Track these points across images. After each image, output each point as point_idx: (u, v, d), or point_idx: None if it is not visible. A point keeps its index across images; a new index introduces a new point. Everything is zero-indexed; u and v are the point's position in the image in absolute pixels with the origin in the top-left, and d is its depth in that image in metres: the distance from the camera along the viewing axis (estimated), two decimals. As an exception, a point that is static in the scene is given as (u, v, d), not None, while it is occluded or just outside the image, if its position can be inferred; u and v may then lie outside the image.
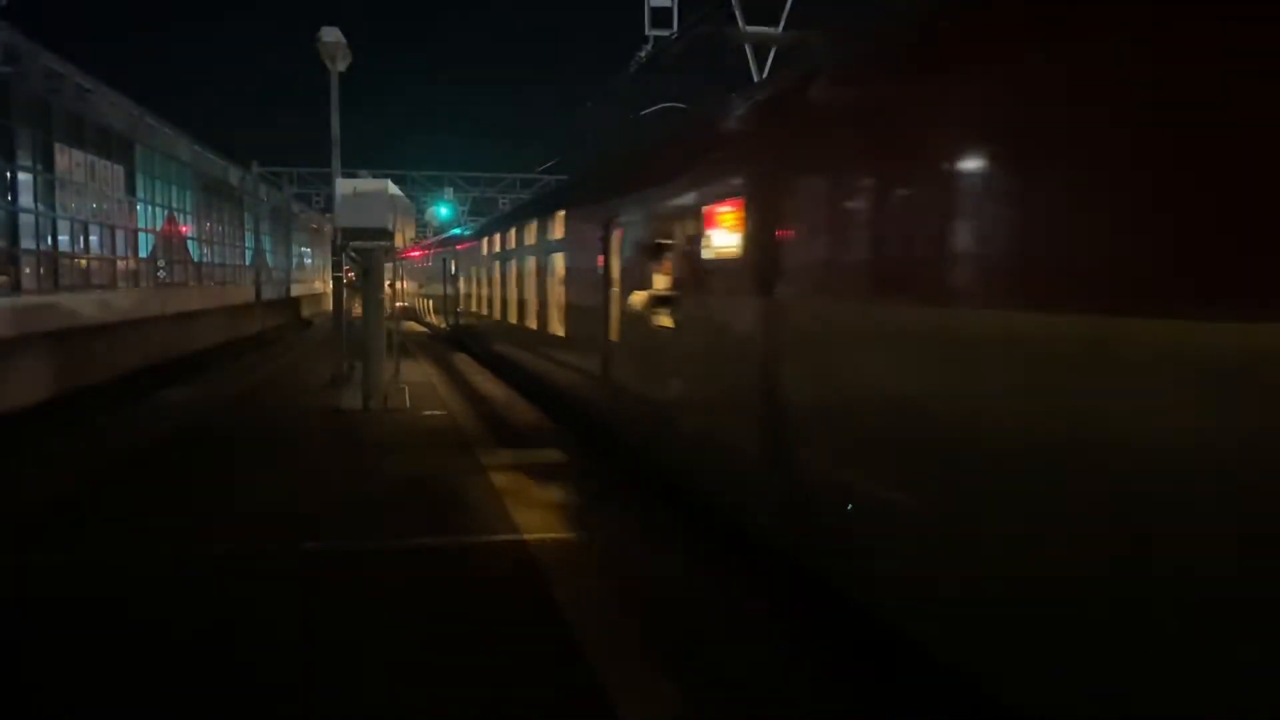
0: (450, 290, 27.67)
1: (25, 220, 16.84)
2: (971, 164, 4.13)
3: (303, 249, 53.87)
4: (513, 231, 17.73)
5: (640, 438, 9.27)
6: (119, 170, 22.10)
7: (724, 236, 6.88)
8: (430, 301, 34.19)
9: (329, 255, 32.52)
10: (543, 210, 15.08)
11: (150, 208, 24.48)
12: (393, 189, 14.57)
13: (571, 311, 12.30)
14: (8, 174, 16.40)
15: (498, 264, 19.34)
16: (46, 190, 17.86)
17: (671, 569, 6.64)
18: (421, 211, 55.20)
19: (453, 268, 27.33)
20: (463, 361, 22.02)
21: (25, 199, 16.93)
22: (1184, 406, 3.02)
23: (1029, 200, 3.74)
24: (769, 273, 5.96)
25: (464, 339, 24.89)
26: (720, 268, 6.92)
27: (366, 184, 14.37)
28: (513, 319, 17.26)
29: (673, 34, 22.55)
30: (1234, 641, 2.95)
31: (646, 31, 23.24)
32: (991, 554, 3.83)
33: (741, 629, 5.53)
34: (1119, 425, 3.22)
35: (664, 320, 8.21)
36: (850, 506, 4.89)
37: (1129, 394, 3.19)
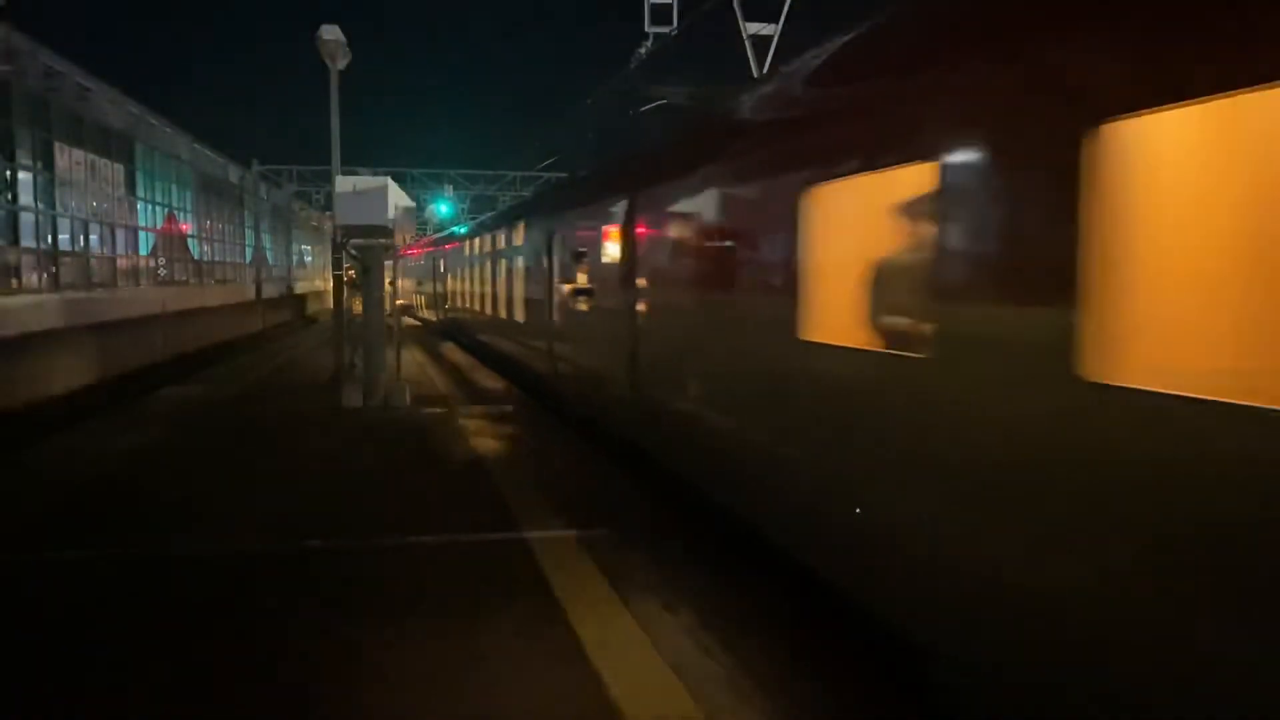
0: (439, 288, 30.42)
1: (27, 219, 16.88)
2: (717, 221, 7.24)
3: (303, 247, 53.89)
4: (487, 236, 20.82)
5: (567, 388, 12.76)
6: (119, 169, 22.13)
7: (611, 249, 10.00)
8: (423, 298, 36.72)
9: (329, 253, 32.86)
10: (508, 221, 18.47)
11: (150, 206, 24.51)
12: (392, 187, 14.57)
13: (527, 303, 15.32)
14: (25, 175, 16.44)
15: (475, 265, 22.35)
16: (61, 189, 17.89)
17: (569, 463, 10.21)
18: (421, 209, 55.22)
19: (440, 267, 30.18)
20: (449, 349, 24.75)
21: (36, 199, 16.97)
22: None
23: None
24: (632, 274, 9.16)
25: (451, 330, 27.75)
26: (609, 270, 10.03)
27: (366, 181, 14.37)
28: (487, 310, 20.50)
29: (672, 31, 22.55)
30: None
31: (646, 28, 23.24)
32: (721, 427, 7.14)
33: (607, 488, 9.11)
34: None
35: (581, 305, 11.40)
36: (668, 416, 8.35)
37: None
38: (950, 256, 4.33)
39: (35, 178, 17.46)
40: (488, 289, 20.34)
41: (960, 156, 4.18)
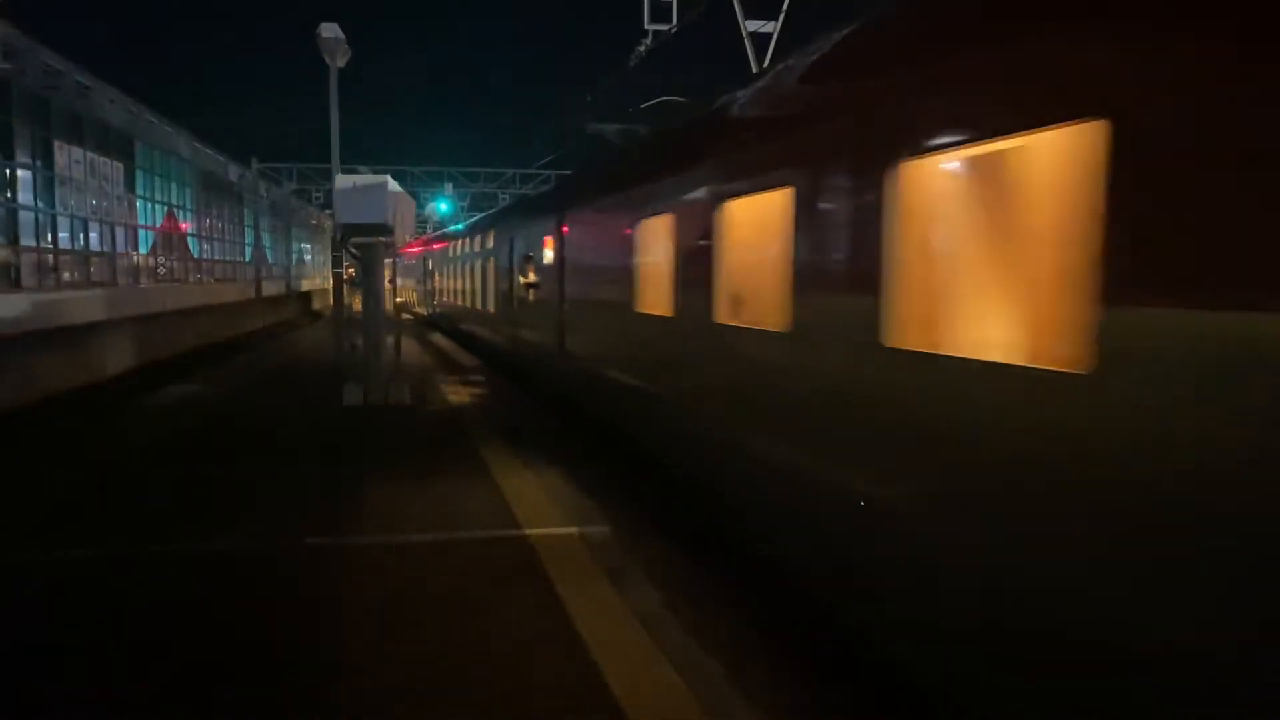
0: (428, 285, 35.05)
1: (26, 217, 16.87)
2: (602, 235, 11.00)
3: (302, 245, 53.87)
4: (464, 241, 25.13)
5: (518, 358, 17.28)
6: (118, 167, 22.10)
7: (547, 253, 14.11)
8: (415, 295, 40.92)
9: (329, 251, 33.29)
10: (481, 228, 22.87)
11: (150, 204, 24.49)
12: (392, 185, 14.57)
13: (494, 295, 19.54)
14: (25, 173, 16.41)
15: (455, 265, 26.56)
16: (60, 187, 17.88)
17: (518, 416, 14.03)
18: (421, 207, 55.17)
19: (428, 266, 34.85)
20: (436, 337, 29.45)
21: (36, 198, 16.96)
22: None
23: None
24: (561, 272, 13.18)
25: (438, 321, 32.35)
26: (546, 269, 14.24)
27: (366, 179, 14.36)
28: (464, 304, 24.84)
29: (671, 28, 22.51)
30: None
31: (645, 25, 23.18)
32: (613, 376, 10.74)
33: (543, 429, 12.99)
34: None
35: (529, 297, 15.48)
36: (585, 377, 11.98)
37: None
38: (774, 260, 6.21)
39: (35, 176, 17.44)
40: (465, 285, 24.55)
41: (794, 189, 5.83)
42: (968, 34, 4.28)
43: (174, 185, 26.81)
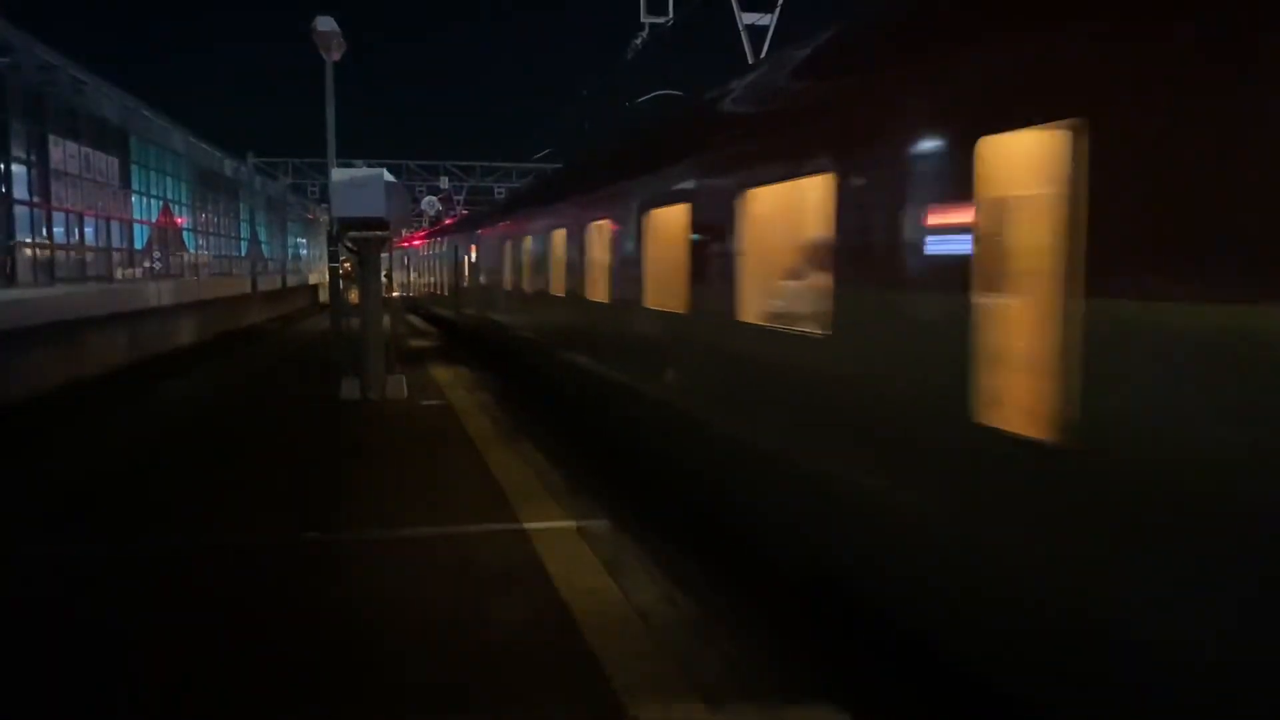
0: (407, 277, 39.86)
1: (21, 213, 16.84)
2: (498, 247, 18.12)
3: (298, 239, 53.81)
4: (431, 241, 32.63)
5: (457, 323, 24.09)
6: (113, 162, 22.09)
7: (474, 255, 21.48)
8: (393, 285, 46.40)
9: (324, 245, 33.77)
10: (442, 234, 30.45)
11: (145, 199, 24.47)
12: (388, 178, 14.54)
13: (454, 283, 25.38)
14: (19, 167, 16.38)
15: (425, 261, 33.50)
16: (56, 183, 17.85)
17: (450, 349, 21.69)
18: (417, 201, 55.10)
19: (405, 260, 40.08)
20: (411, 319, 33.02)
21: (31, 193, 16.93)
22: None
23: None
24: (479, 267, 21.05)
25: (411, 306, 36.74)
26: (486, 265, 19.79)
27: (362, 173, 14.33)
28: (431, 291, 31.44)
29: (668, 20, 22.49)
30: None
31: (642, 18, 23.16)
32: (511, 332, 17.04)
33: (487, 379, 16.40)
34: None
35: (464, 284, 22.75)
36: (508, 341, 17.35)
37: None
38: (654, 261, 8.79)
39: (30, 171, 17.43)
40: (430, 278, 31.76)
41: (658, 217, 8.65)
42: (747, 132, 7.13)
43: (169, 180, 26.77)
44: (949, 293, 4.30)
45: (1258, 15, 2.96)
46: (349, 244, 14.97)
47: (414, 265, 36.72)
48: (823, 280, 5.61)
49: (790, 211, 6.54)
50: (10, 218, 16.47)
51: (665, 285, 8.40)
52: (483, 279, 20.11)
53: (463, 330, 23.36)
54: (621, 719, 4.31)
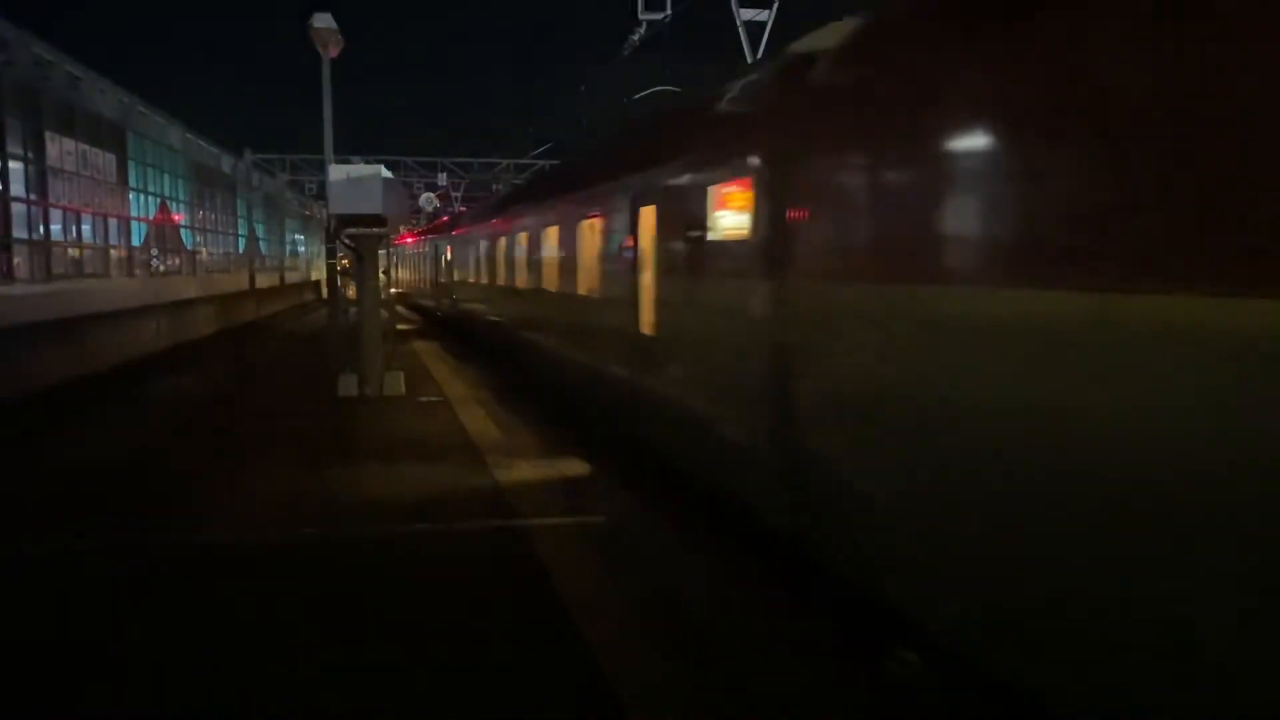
0: (393, 275, 45.23)
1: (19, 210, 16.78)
2: (461, 252, 25.07)
3: (297, 236, 53.76)
4: (418, 240, 37.22)
5: (439, 311, 29.52)
6: (110, 158, 22.04)
7: (447, 254, 27.55)
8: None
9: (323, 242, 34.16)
10: (425, 234, 35.65)
11: (142, 196, 24.42)
12: (386, 175, 14.51)
13: (429, 280, 31.54)
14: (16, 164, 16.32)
15: (410, 258, 38.58)
16: (52, 179, 17.80)
17: (432, 329, 28.15)
18: (414, 198, 55.03)
19: (395, 259, 44.10)
20: (398, 309, 34.72)
21: (27, 190, 16.87)
22: None
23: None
24: (451, 265, 26.62)
25: (402, 297, 40.81)
26: (446, 263, 27.73)
27: (359, 170, 14.30)
28: (416, 285, 36.81)
29: (665, 17, 22.47)
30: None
31: (639, 15, 23.12)
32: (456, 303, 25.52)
33: (437, 330, 28.07)
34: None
35: (442, 279, 28.39)
36: (459, 310, 25.20)
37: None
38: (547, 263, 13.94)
39: (27, 168, 17.38)
40: (415, 275, 37.12)
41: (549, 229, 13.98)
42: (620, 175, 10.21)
43: (166, 177, 26.73)
44: (627, 277, 9.38)
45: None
46: (347, 241, 14.95)
47: (400, 262, 42.17)
48: (599, 273, 10.79)
49: (589, 236, 11.37)
50: (8, 215, 16.44)
51: (544, 276, 14.35)
52: (454, 275, 26.20)
53: (441, 316, 29.26)
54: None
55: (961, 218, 4.21)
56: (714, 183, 6.98)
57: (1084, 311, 3.33)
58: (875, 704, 4.89)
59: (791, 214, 5.60)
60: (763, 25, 18.42)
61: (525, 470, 9.27)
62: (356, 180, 13.98)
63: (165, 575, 6.53)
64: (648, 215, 8.67)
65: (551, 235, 13.63)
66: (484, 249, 21.16)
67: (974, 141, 4.16)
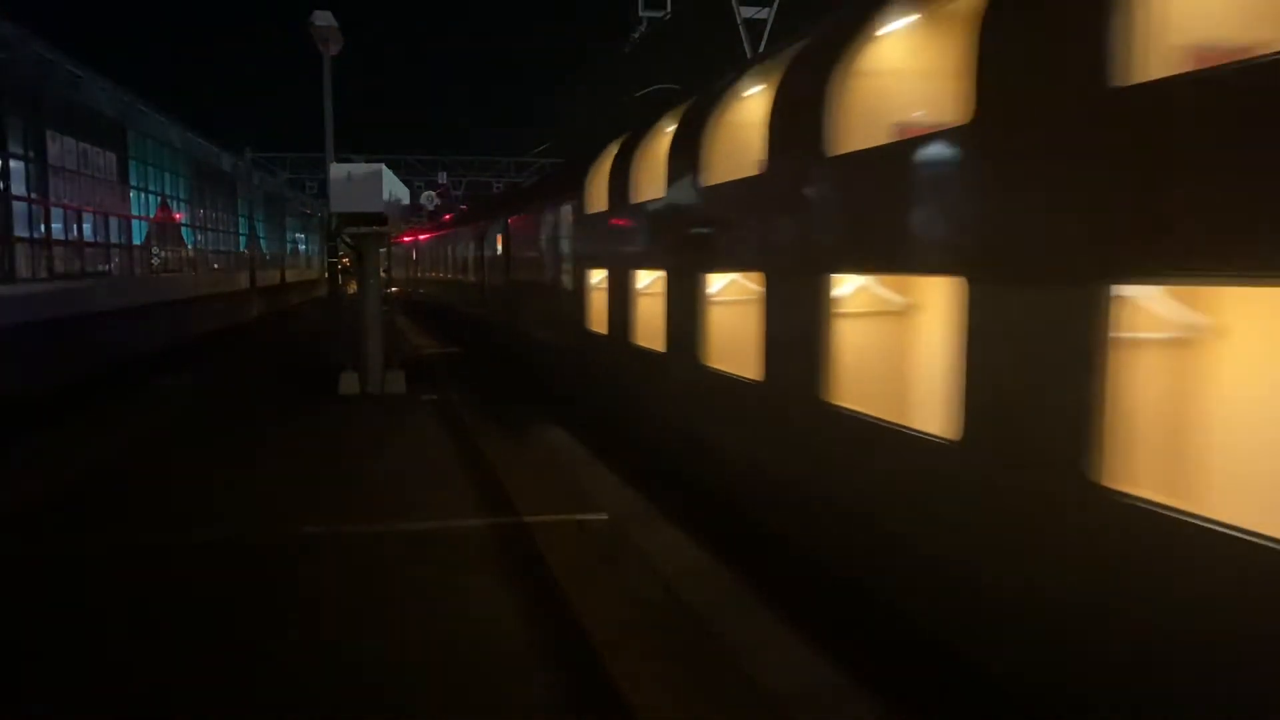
0: (412, 274, 49.47)
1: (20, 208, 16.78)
2: (430, 254, 36.79)
3: (297, 235, 53.75)
4: (401, 242, 43.41)
5: (415, 295, 41.02)
6: (111, 157, 22.03)
7: (415, 257, 41.81)
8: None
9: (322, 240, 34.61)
10: (406, 234, 42.25)
11: (143, 194, 24.42)
12: (386, 174, 14.53)
13: (411, 276, 42.85)
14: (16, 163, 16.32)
15: (394, 258, 43.68)
16: (54, 178, 17.81)
17: (422, 322, 32.89)
18: (415, 196, 55.02)
19: (413, 253, 48.32)
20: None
21: (29, 189, 16.87)
22: None
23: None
24: (419, 264, 40.26)
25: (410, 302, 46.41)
26: (418, 263, 40.84)
27: (360, 168, 14.32)
28: (400, 279, 45.06)
29: (665, 15, 22.45)
30: None
31: (640, 12, 23.10)
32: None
33: (413, 308, 38.56)
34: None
35: (415, 275, 41.49)
36: (424, 295, 37.72)
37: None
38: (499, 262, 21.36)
39: (27, 166, 17.37)
40: (396, 271, 43.84)
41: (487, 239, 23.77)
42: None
43: (167, 175, 26.72)
44: (492, 272, 21.16)
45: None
46: (347, 239, 14.98)
47: (417, 257, 48.52)
48: (500, 269, 19.72)
49: (481, 247, 22.49)
50: (9, 214, 16.44)
51: (461, 271, 25.98)
52: (422, 269, 36.96)
53: (414, 300, 39.44)
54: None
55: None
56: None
57: None
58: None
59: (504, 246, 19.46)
60: (762, 22, 18.41)
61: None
62: (357, 179, 14.00)
63: (151, 566, 6.56)
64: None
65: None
66: (432, 253, 33.73)
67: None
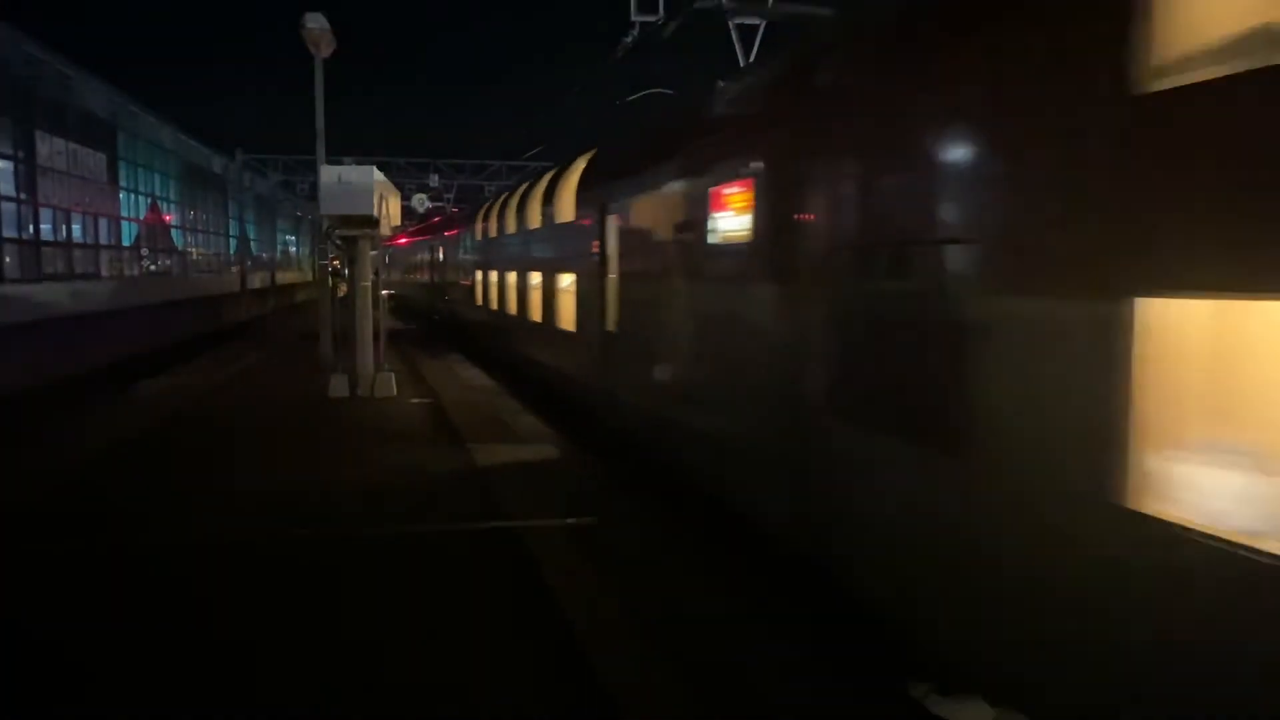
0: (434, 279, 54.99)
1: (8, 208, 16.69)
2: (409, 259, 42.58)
3: (288, 237, 53.65)
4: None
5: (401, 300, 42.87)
6: (101, 158, 21.96)
7: (398, 261, 43.71)
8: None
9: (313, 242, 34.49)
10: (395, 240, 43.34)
11: (133, 195, 24.34)
12: (378, 176, 14.51)
13: (396, 279, 42.54)
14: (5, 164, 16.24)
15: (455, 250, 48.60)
16: (42, 179, 17.74)
17: (418, 328, 32.14)
18: (406, 199, 54.98)
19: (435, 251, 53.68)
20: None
21: (17, 189, 16.80)
22: None
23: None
24: (398, 267, 43.44)
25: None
26: (399, 267, 43.60)
27: (351, 171, 14.30)
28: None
29: (658, 20, 22.47)
30: None
31: (632, 17, 23.11)
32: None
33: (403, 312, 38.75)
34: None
35: (396, 277, 42.30)
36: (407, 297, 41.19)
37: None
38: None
39: (16, 166, 17.30)
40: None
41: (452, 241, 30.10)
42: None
43: (157, 176, 26.65)
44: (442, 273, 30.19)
45: None
46: (338, 242, 14.94)
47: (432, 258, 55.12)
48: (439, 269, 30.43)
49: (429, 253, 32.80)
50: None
51: (417, 272, 36.78)
52: (399, 272, 41.95)
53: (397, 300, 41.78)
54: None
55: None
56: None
57: None
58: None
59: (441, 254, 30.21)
60: (755, 28, 18.42)
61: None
62: (349, 181, 13.98)
63: (139, 562, 6.53)
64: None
65: None
66: (407, 258, 41.20)
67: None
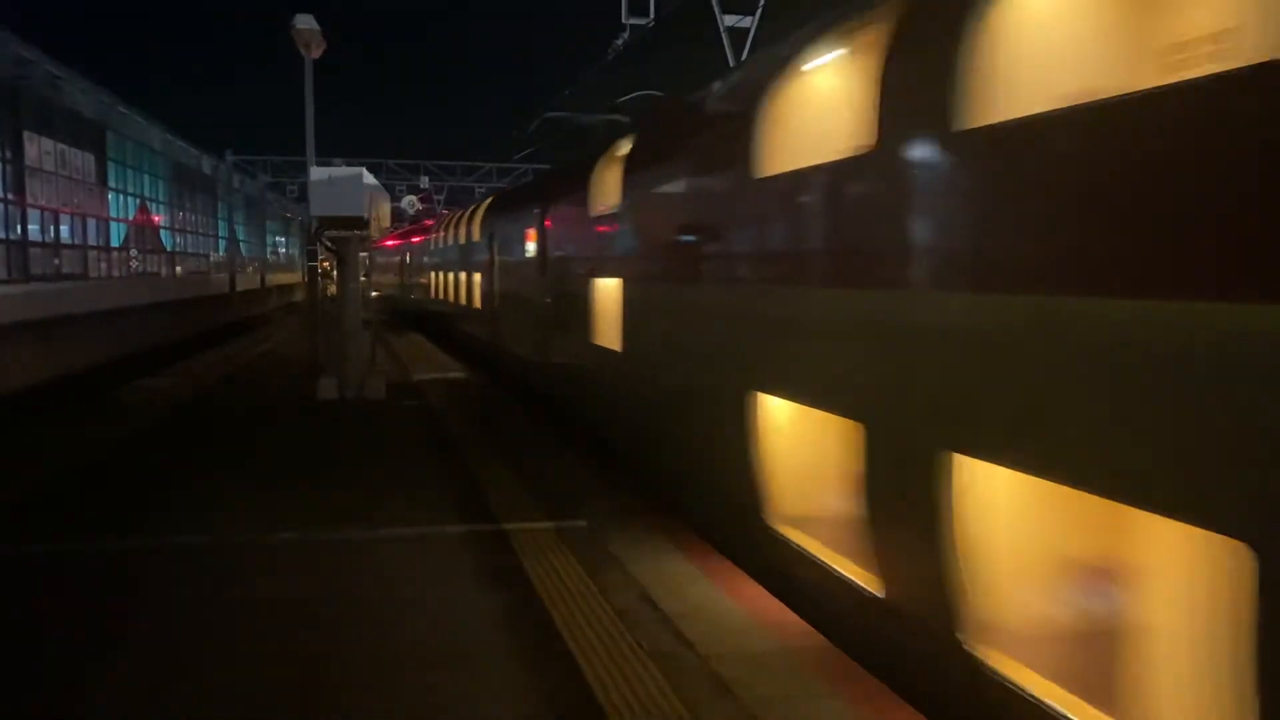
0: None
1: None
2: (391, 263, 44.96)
3: (277, 238, 53.55)
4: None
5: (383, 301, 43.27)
6: (90, 159, 21.88)
7: (383, 265, 46.55)
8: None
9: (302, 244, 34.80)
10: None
11: (122, 197, 24.26)
12: (367, 177, 14.48)
13: (382, 283, 45.06)
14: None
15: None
16: (31, 179, 17.65)
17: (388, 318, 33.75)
18: (396, 200, 54.91)
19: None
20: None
21: (5, 190, 16.69)
22: None
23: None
24: (378, 270, 45.32)
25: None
26: (384, 272, 46.08)
27: (341, 172, 14.27)
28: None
29: (649, 22, 22.50)
30: None
31: (623, 19, 23.13)
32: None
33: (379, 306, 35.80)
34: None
35: (379, 280, 44.39)
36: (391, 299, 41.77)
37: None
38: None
39: (4, 167, 17.23)
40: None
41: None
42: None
43: (146, 177, 26.56)
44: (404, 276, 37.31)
45: None
46: (327, 243, 14.91)
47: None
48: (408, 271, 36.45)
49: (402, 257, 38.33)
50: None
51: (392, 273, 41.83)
52: (380, 274, 44.17)
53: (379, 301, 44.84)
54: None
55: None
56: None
57: None
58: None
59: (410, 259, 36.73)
60: (745, 31, 18.48)
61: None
62: (338, 182, 13.95)
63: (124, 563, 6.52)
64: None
65: None
66: (386, 263, 43.66)
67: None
